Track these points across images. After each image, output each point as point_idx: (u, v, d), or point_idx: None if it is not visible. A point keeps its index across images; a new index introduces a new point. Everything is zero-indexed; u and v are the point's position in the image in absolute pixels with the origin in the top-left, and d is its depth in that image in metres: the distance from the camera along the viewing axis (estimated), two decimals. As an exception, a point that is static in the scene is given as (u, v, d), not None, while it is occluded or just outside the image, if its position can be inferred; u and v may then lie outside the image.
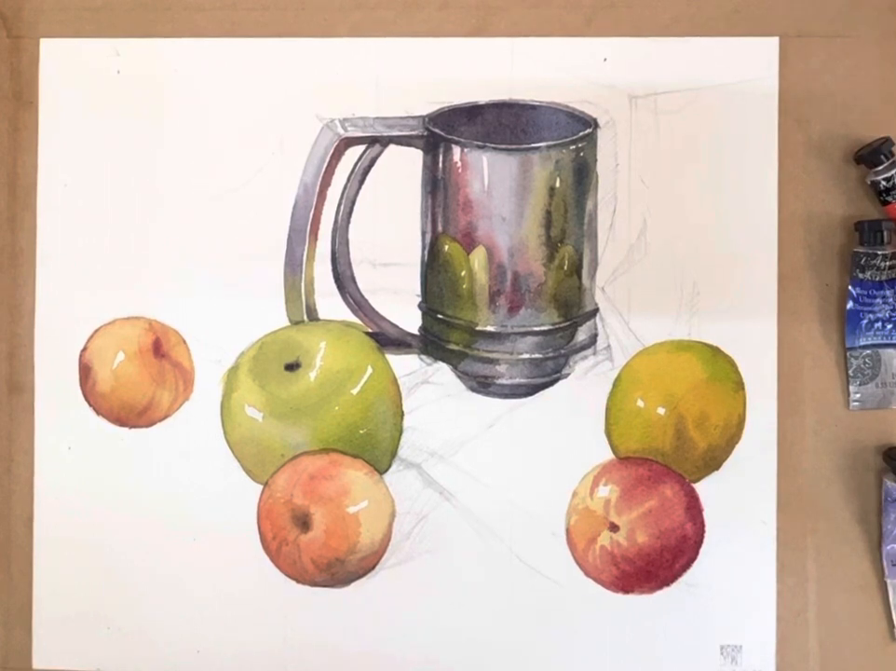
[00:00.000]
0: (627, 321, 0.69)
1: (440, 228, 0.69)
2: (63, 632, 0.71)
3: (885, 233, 0.66)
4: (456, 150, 0.68)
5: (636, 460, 0.68)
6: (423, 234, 0.70)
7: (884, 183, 0.66)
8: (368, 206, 0.70)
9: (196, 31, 0.71)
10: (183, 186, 0.71)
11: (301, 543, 0.69)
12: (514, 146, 0.68)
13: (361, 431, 0.69)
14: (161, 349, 0.71)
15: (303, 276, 0.70)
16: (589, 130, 0.68)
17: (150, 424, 0.71)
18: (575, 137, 0.68)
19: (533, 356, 0.69)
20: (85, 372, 0.71)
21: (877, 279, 0.67)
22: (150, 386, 0.71)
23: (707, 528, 0.68)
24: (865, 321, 0.67)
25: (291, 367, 0.69)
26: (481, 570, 0.69)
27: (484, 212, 0.67)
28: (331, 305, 0.70)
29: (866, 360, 0.68)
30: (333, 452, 0.69)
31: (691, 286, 0.69)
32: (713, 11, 0.69)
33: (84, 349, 0.71)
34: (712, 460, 0.68)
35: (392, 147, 0.69)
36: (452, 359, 0.70)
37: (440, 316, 0.69)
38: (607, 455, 0.69)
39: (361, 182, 0.70)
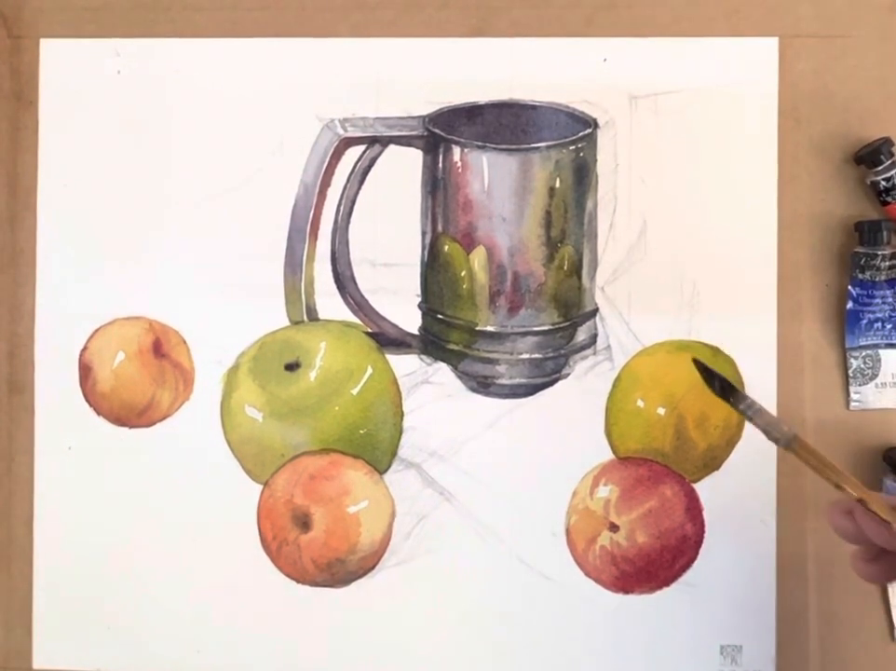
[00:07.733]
0: (627, 322, 0.69)
1: (440, 228, 0.69)
2: (63, 632, 0.71)
3: (885, 233, 0.66)
4: (456, 150, 0.68)
5: (636, 460, 0.68)
6: (423, 234, 0.70)
7: (884, 183, 0.66)
8: (368, 206, 0.70)
9: (197, 31, 0.71)
10: (183, 186, 0.71)
11: (301, 543, 0.69)
12: (514, 146, 0.67)
13: (361, 431, 0.69)
14: (161, 348, 0.71)
15: (303, 276, 0.70)
16: (589, 130, 0.68)
17: (150, 424, 0.71)
18: (575, 137, 0.68)
19: (533, 356, 0.69)
20: (85, 372, 0.71)
21: (877, 279, 0.67)
22: (150, 386, 0.71)
23: (707, 529, 0.68)
24: (865, 322, 0.67)
25: (291, 367, 0.69)
26: (481, 570, 0.69)
27: (484, 212, 0.67)
28: (331, 305, 0.70)
29: (866, 360, 0.68)
30: (333, 452, 0.69)
31: (691, 286, 0.69)
32: (713, 11, 0.69)
33: (84, 349, 0.71)
34: (712, 460, 0.68)
35: (392, 147, 0.69)
36: (452, 359, 0.70)
37: (440, 316, 0.69)
38: (607, 455, 0.69)
39: (361, 182, 0.70)
